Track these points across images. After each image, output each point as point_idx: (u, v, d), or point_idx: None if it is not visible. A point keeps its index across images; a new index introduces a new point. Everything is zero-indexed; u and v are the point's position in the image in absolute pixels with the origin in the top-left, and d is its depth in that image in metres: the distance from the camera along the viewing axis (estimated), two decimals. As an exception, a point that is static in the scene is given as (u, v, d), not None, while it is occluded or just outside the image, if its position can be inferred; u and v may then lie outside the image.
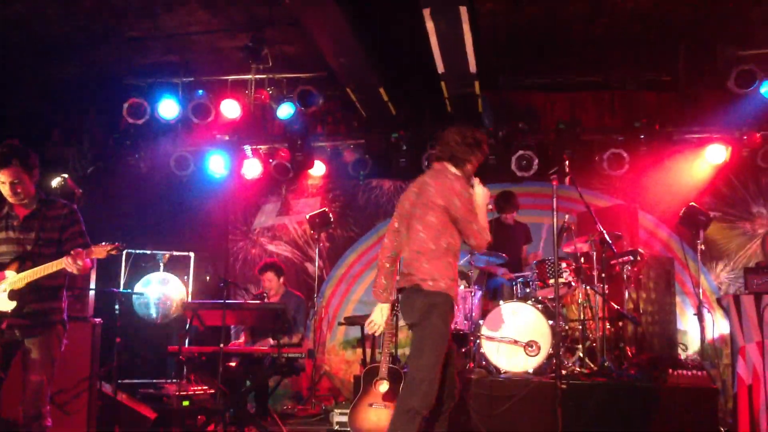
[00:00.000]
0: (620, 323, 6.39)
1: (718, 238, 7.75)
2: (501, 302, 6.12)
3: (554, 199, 4.98)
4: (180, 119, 7.89)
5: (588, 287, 6.26)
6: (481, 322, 6.05)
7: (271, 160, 8.20)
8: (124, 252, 7.32)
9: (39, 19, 6.82)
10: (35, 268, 3.98)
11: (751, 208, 7.77)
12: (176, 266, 7.80)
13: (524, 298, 6.15)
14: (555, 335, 5.61)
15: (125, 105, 7.68)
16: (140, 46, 7.42)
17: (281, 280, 6.81)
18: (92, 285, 5.75)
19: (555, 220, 5.09)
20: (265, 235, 8.86)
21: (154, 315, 7.46)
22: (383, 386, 5.64)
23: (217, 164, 8.24)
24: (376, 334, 4.40)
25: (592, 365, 5.93)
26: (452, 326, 4.47)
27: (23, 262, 4.03)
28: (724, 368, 7.12)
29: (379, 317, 4.23)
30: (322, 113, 8.39)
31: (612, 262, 6.37)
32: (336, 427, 6.24)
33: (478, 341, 6.00)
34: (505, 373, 5.82)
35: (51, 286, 4.09)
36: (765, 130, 7.33)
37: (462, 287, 6.27)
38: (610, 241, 6.07)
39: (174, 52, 7.63)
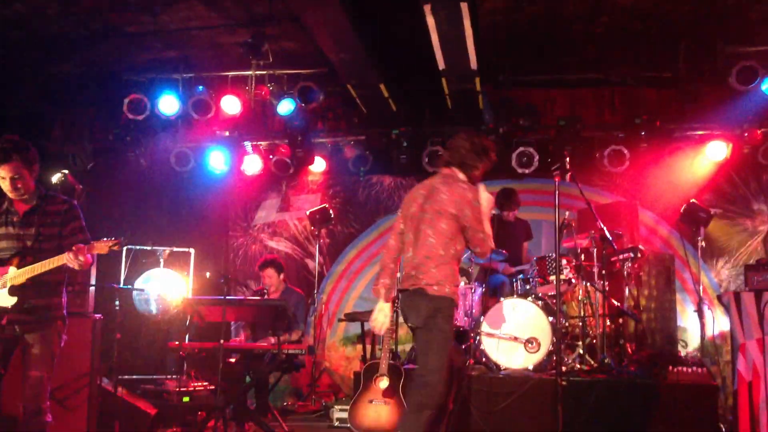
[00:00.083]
0: (620, 320, 6.39)
1: (719, 235, 7.74)
2: (501, 299, 6.12)
3: (556, 196, 4.97)
4: (180, 115, 7.89)
5: (588, 284, 6.26)
6: (481, 318, 6.05)
7: (271, 156, 8.19)
8: (125, 248, 7.36)
9: (39, 18, 6.81)
10: (36, 264, 3.98)
11: (751, 205, 7.77)
12: (176, 262, 7.80)
13: (524, 295, 6.15)
14: (555, 332, 5.60)
15: (125, 101, 7.67)
16: (140, 42, 7.41)
17: (281, 276, 6.81)
18: (92, 281, 5.75)
19: (557, 216, 5.09)
20: (266, 232, 8.86)
21: (155, 311, 7.46)
22: (383, 383, 5.64)
23: (217, 160, 8.24)
24: (381, 333, 4.47)
25: (592, 362, 5.93)
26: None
27: (23, 257, 4.03)
28: (724, 365, 7.12)
29: (382, 316, 4.28)
30: (322, 109, 8.38)
31: (612, 258, 6.36)
32: (336, 424, 6.25)
33: (478, 338, 6.00)
34: (505, 369, 5.82)
35: (51, 281, 4.09)
36: (766, 127, 7.32)
37: (462, 284, 6.27)
38: (611, 238, 6.06)
39: (174, 48, 7.62)
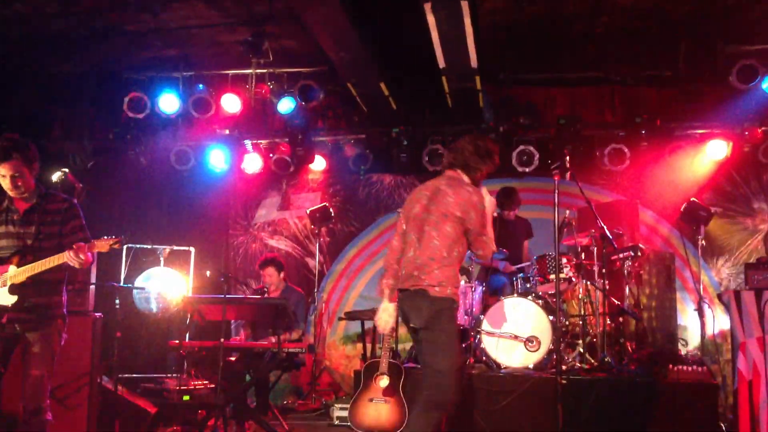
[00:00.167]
0: (621, 319, 6.39)
1: (719, 233, 7.74)
2: (501, 298, 6.12)
3: (556, 194, 4.97)
4: (180, 113, 7.90)
5: (588, 283, 6.26)
6: (481, 317, 6.05)
7: (271, 155, 8.19)
8: (125, 246, 7.35)
9: (39, 17, 6.82)
10: (36, 262, 3.98)
11: (752, 203, 7.76)
12: (177, 261, 7.81)
13: (525, 294, 6.15)
14: (555, 331, 5.61)
15: (126, 99, 7.68)
16: (140, 40, 7.41)
17: (282, 275, 6.81)
18: (93, 279, 5.75)
19: (556, 215, 5.08)
20: (266, 230, 8.86)
21: (155, 309, 7.47)
22: (383, 381, 5.64)
23: (217, 159, 8.24)
24: (385, 332, 4.56)
25: (593, 361, 5.93)
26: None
27: (24, 256, 4.02)
28: (724, 364, 7.12)
29: (386, 316, 4.32)
30: (322, 108, 8.37)
31: (612, 257, 6.36)
32: (336, 422, 6.25)
33: (478, 336, 6.00)
34: (505, 368, 5.83)
35: (52, 280, 4.08)
36: (766, 126, 7.32)
37: (462, 282, 6.27)
38: (611, 237, 6.06)
39: (174, 47, 7.62)
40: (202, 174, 8.40)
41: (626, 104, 8.01)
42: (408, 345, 7.06)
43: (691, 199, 7.08)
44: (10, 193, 4.09)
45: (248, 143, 8.27)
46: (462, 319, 6.19)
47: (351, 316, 7.33)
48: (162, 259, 7.62)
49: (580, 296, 6.25)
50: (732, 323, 5.53)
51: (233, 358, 6.22)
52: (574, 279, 6.29)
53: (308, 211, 8.12)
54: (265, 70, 7.67)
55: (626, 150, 7.47)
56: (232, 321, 6.83)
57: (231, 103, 7.78)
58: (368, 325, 7.28)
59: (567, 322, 6.24)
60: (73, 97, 8.20)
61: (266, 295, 6.49)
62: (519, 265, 6.84)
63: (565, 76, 8.00)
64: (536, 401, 5.41)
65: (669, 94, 7.92)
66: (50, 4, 6.56)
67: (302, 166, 8.36)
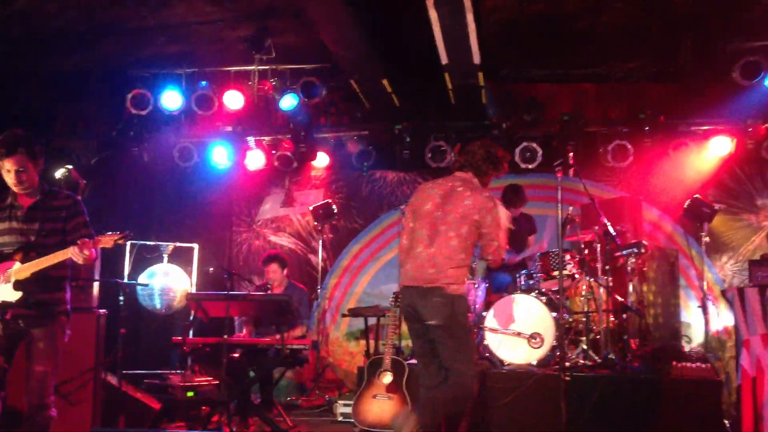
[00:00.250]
0: (624, 315, 6.38)
1: (723, 230, 7.72)
2: (504, 294, 6.12)
3: (559, 191, 4.97)
4: (183, 110, 7.90)
5: (592, 279, 6.25)
6: (484, 314, 6.05)
7: (274, 152, 8.18)
8: (128, 243, 7.37)
9: (41, 15, 6.81)
10: (40, 259, 3.98)
11: (755, 200, 7.74)
12: (180, 257, 7.82)
13: (528, 290, 6.15)
14: (559, 327, 5.61)
15: (129, 96, 7.68)
16: (143, 37, 7.41)
17: (285, 271, 6.82)
18: (96, 276, 5.76)
19: (559, 212, 5.08)
20: (269, 227, 8.86)
21: (158, 306, 7.48)
22: (387, 378, 5.65)
23: (220, 155, 8.23)
24: None
25: (596, 357, 5.93)
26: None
27: (27, 252, 4.02)
28: (727, 361, 7.11)
29: None
30: (325, 104, 8.36)
31: (616, 254, 6.36)
32: (340, 419, 6.27)
33: (481, 333, 6.00)
34: (508, 365, 5.83)
35: (55, 276, 4.09)
36: (770, 122, 7.30)
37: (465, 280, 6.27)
38: (614, 234, 6.05)
39: (177, 43, 7.61)
40: (205, 171, 8.40)
41: (629, 101, 7.98)
42: (411, 342, 7.07)
43: (695, 196, 7.06)
44: (14, 189, 4.09)
45: (251, 140, 8.27)
46: (465, 315, 6.20)
47: (354, 312, 7.34)
48: (165, 255, 7.63)
49: (583, 293, 6.25)
50: (736, 320, 5.53)
51: (237, 355, 6.22)
52: (577, 276, 6.29)
53: (311, 208, 8.12)
54: (267, 67, 7.66)
55: (629, 146, 7.45)
56: (236, 318, 6.84)
57: (233, 100, 7.77)
58: (371, 321, 7.29)
59: (570, 319, 6.23)
60: (77, 94, 8.20)
61: (269, 292, 6.50)
62: (523, 255, 6.88)
63: (569, 72, 7.98)
64: (539, 398, 5.41)
65: (672, 91, 7.89)
66: (51, 2, 6.56)
67: (305, 163, 8.37)
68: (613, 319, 6.25)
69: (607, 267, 6.17)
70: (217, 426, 5.60)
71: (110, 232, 4.07)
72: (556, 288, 6.01)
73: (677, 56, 7.39)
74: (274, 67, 7.68)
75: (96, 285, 5.75)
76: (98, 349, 5.50)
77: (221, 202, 8.89)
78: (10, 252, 4.05)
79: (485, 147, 4.46)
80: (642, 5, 6.64)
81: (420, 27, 6.02)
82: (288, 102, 7.63)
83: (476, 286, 6.31)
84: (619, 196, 7.82)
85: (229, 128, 8.26)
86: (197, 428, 5.73)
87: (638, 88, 7.94)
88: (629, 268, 6.35)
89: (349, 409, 5.85)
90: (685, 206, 7.04)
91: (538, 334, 5.81)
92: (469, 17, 5.74)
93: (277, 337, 5.95)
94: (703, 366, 5.60)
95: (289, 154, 8.05)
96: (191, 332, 6.87)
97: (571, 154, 7.42)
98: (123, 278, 7.32)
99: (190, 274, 7.78)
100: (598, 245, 6.30)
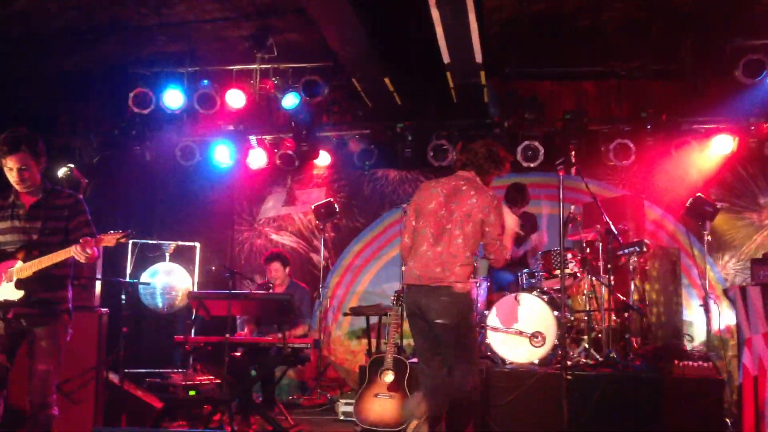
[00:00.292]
0: (626, 314, 6.38)
1: (725, 228, 7.71)
2: (506, 293, 6.11)
3: (561, 190, 4.96)
4: (185, 109, 7.90)
5: (594, 278, 6.24)
6: (486, 312, 6.05)
7: (276, 150, 8.19)
8: (130, 242, 7.38)
9: (41, 14, 6.82)
10: (42, 257, 3.99)
11: (758, 198, 7.73)
12: (182, 256, 7.82)
13: (530, 289, 6.15)
14: (560, 326, 5.60)
15: (131, 95, 7.68)
16: (145, 36, 7.41)
17: (287, 270, 6.82)
18: (98, 275, 5.77)
19: (561, 210, 5.07)
20: (271, 226, 8.86)
21: (160, 305, 7.48)
22: (388, 376, 5.65)
23: (222, 154, 8.24)
24: None
25: (598, 356, 5.92)
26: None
27: (29, 251, 4.03)
28: (729, 359, 7.09)
29: None
30: (327, 103, 8.36)
31: (618, 253, 6.35)
32: (341, 417, 6.27)
33: (483, 332, 5.99)
34: (510, 363, 5.83)
35: (58, 275, 4.09)
36: (773, 120, 7.29)
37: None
38: (616, 232, 6.05)
39: (179, 42, 7.61)
40: (207, 169, 8.41)
41: (632, 99, 7.97)
42: (413, 341, 7.07)
43: (697, 195, 7.05)
44: (17, 187, 4.10)
45: (253, 139, 8.27)
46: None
47: (356, 311, 7.34)
48: (167, 254, 7.64)
49: (585, 292, 6.24)
50: (738, 319, 5.53)
51: (238, 354, 6.23)
52: (579, 274, 6.28)
53: (313, 207, 8.12)
54: (269, 66, 7.67)
55: (632, 145, 7.44)
56: (238, 316, 6.85)
57: (235, 99, 7.77)
58: (373, 320, 7.29)
59: (572, 318, 6.23)
60: (78, 94, 8.21)
61: (271, 291, 6.50)
62: (524, 248, 6.88)
63: (571, 70, 7.97)
64: (541, 397, 5.41)
65: (675, 89, 7.88)
66: (51, 2, 6.57)
67: (307, 162, 8.37)
68: (614, 317, 6.25)
69: (609, 266, 6.17)
70: (219, 425, 5.60)
71: (112, 231, 4.07)
72: (557, 287, 6.00)
73: (678, 54, 7.39)
74: (276, 65, 7.69)
75: (98, 284, 5.76)
76: (100, 348, 5.51)
77: (223, 201, 8.90)
78: (13, 250, 4.06)
79: (487, 146, 4.48)
80: (643, 4, 6.63)
81: (422, 26, 6.02)
82: (290, 101, 7.63)
83: (478, 284, 6.31)
84: (621, 195, 7.82)
85: (231, 127, 8.27)
86: (199, 427, 5.74)
87: (640, 87, 7.92)
88: (631, 266, 6.35)
89: (350, 408, 5.86)
90: (687, 205, 7.03)
91: (540, 333, 5.80)
92: (471, 16, 5.73)
93: (279, 335, 5.95)
94: (705, 365, 5.59)
95: (290, 152, 8.05)
96: (193, 331, 6.88)
97: (573, 152, 7.44)
98: (125, 277, 7.33)
99: (192, 272, 7.79)
100: (600, 244, 6.30)
